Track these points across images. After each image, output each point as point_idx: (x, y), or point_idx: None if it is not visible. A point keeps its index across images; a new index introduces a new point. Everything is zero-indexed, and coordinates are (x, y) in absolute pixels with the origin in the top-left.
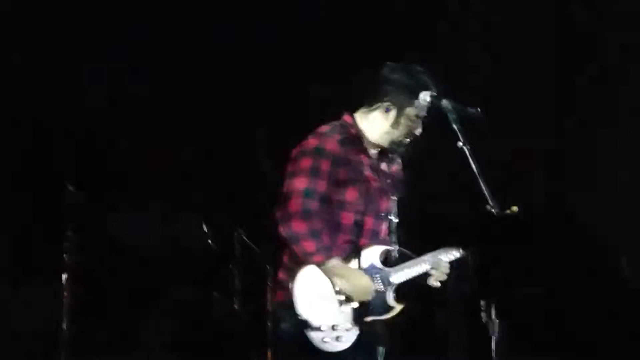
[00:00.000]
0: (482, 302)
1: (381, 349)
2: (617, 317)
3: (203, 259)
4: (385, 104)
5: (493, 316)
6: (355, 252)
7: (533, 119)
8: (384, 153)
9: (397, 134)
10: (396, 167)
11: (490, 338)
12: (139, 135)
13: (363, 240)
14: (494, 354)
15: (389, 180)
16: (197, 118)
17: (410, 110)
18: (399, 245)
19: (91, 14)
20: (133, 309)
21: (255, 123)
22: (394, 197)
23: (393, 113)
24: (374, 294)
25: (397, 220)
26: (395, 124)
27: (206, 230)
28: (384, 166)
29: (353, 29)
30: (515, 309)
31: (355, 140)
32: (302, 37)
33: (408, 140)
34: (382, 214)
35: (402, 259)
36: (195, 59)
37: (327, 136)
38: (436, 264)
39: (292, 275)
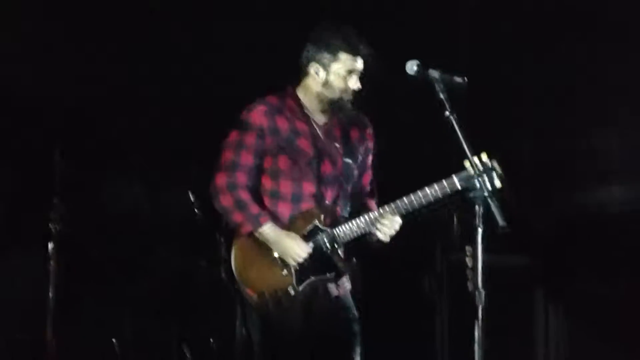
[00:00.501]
0: (468, 272)
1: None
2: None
3: (189, 228)
4: (313, 66)
5: (480, 286)
6: (297, 218)
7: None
8: (337, 118)
9: (331, 93)
10: (356, 131)
11: (477, 307)
12: (128, 104)
13: (304, 205)
14: (479, 324)
15: (336, 144)
16: (186, 88)
17: (336, 67)
18: (353, 209)
19: None
20: (120, 277)
21: (245, 93)
22: (348, 160)
23: (322, 74)
24: (304, 254)
25: (351, 184)
26: (326, 83)
27: (192, 199)
28: (333, 130)
29: None
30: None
31: (292, 108)
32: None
33: (348, 97)
34: (327, 179)
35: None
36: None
37: (253, 108)
38: (381, 216)
39: (232, 244)
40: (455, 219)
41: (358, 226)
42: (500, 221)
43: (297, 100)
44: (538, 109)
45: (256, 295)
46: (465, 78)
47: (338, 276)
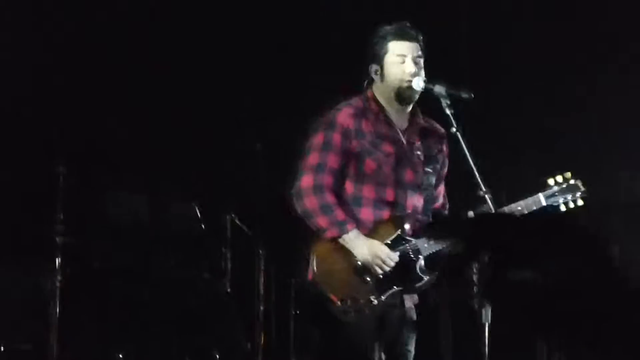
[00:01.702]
0: (475, 289)
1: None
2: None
3: (195, 241)
4: (372, 67)
5: (485, 303)
6: (379, 225)
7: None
8: (416, 123)
9: (391, 84)
10: (435, 139)
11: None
12: (132, 117)
13: (387, 213)
14: (486, 342)
15: (417, 152)
16: (190, 101)
17: (389, 56)
18: (432, 218)
19: None
20: (125, 290)
21: (248, 107)
22: (428, 169)
23: (379, 70)
24: (392, 264)
25: (430, 193)
26: (383, 77)
27: (198, 213)
28: (413, 137)
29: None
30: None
31: (375, 112)
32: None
33: (409, 84)
34: (409, 187)
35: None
36: (189, 38)
37: (340, 110)
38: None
39: (313, 252)
40: None
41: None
42: None
43: (379, 104)
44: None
45: (339, 302)
46: (472, 94)
47: (419, 288)
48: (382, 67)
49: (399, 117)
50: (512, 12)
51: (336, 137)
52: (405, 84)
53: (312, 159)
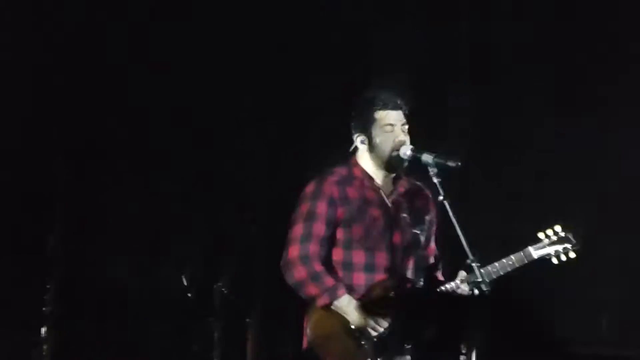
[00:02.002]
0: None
1: None
2: None
3: (182, 312)
4: (356, 137)
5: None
6: (372, 289)
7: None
8: (401, 185)
9: (381, 153)
10: (421, 200)
11: None
12: (120, 182)
13: (379, 277)
14: None
15: (404, 215)
16: (177, 167)
17: (376, 126)
18: (424, 277)
19: None
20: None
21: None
22: (416, 231)
23: (365, 140)
24: (385, 325)
25: (421, 254)
26: (372, 147)
27: (185, 283)
28: (399, 200)
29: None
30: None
31: (360, 178)
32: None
33: (399, 153)
34: (398, 249)
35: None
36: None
37: (324, 178)
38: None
39: (307, 320)
40: None
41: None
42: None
43: (363, 170)
44: None
45: None
46: (459, 162)
47: (414, 348)
48: (370, 137)
49: (384, 182)
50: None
51: (321, 206)
52: (394, 154)
53: (298, 229)
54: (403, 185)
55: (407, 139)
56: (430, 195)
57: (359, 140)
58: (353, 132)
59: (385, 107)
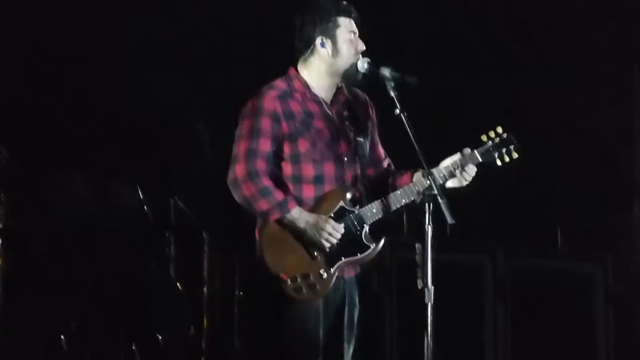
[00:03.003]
0: (418, 270)
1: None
2: None
3: (139, 226)
4: (317, 40)
5: (429, 283)
6: (321, 200)
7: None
8: (341, 95)
9: (343, 60)
10: (361, 107)
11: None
12: (75, 100)
13: (328, 187)
14: (429, 322)
15: (347, 124)
16: (132, 83)
17: (341, 32)
18: (373, 184)
19: None
20: (67, 276)
21: (191, 88)
22: (360, 139)
23: (328, 43)
24: (338, 236)
25: (365, 161)
26: (335, 51)
27: (142, 197)
28: (341, 109)
29: None
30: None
31: (301, 91)
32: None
33: (356, 64)
34: (345, 159)
35: (374, 197)
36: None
37: (264, 94)
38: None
39: (259, 232)
40: (404, 216)
41: (385, 205)
42: (450, 219)
43: (304, 81)
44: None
45: (289, 280)
46: (416, 78)
47: (366, 257)
48: (334, 43)
49: (326, 92)
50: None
51: (265, 122)
52: (352, 64)
53: (243, 146)
54: (343, 94)
55: (364, 48)
56: (367, 99)
57: (318, 43)
58: (312, 35)
59: (348, 14)
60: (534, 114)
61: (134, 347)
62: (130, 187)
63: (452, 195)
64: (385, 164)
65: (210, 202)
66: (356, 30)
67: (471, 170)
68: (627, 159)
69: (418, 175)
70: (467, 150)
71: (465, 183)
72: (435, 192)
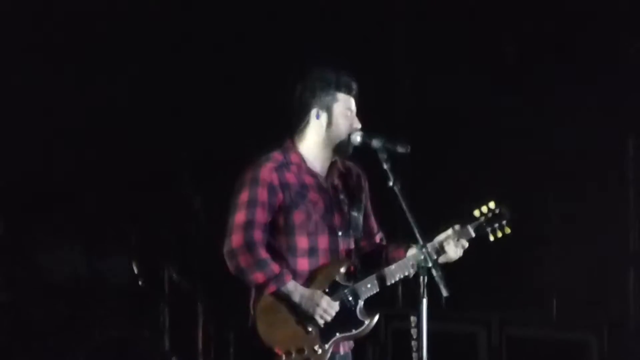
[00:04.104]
0: (413, 343)
1: None
2: None
3: (133, 297)
4: (313, 112)
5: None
6: (316, 273)
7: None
8: (336, 167)
9: (336, 134)
10: (355, 180)
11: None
12: (66, 169)
13: (322, 260)
14: None
15: (341, 196)
16: (125, 153)
17: (338, 106)
18: (366, 258)
19: None
20: (62, 348)
21: (183, 159)
22: (353, 212)
23: (324, 116)
24: (333, 313)
25: (359, 234)
26: (330, 125)
27: (135, 269)
28: (336, 182)
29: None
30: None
31: (297, 163)
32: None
33: (349, 138)
34: (339, 232)
35: (368, 272)
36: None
37: (261, 165)
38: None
39: (254, 305)
40: (399, 288)
41: (380, 279)
42: (445, 292)
43: (300, 154)
44: None
45: (284, 355)
46: (409, 147)
47: (361, 333)
48: (330, 116)
49: (321, 165)
50: None
51: (261, 192)
52: (347, 138)
53: (240, 217)
54: (338, 168)
55: (360, 126)
56: (360, 172)
57: (314, 115)
58: (309, 106)
59: (348, 91)
60: (528, 181)
61: None
62: (124, 259)
63: (445, 265)
64: (377, 238)
65: (203, 273)
66: (354, 108)
67: (464, 244)
68: (622, 226)
69: (412, 250)
70: (457, 227)
71: (455, 257)
72: (430, 265)
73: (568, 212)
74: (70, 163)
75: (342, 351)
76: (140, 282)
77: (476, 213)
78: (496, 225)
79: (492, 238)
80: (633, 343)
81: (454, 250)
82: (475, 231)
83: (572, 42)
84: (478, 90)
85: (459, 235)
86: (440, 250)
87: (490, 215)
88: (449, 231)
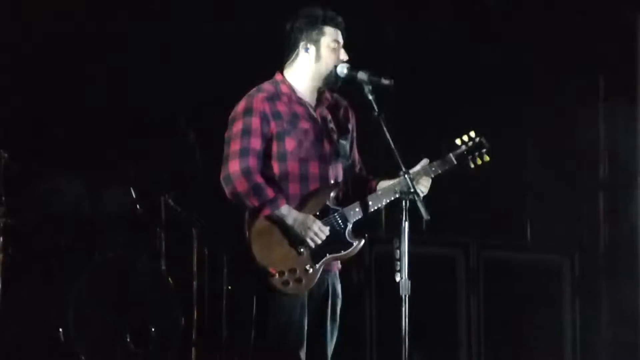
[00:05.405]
0: (396, 263)
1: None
2: None
3: (131, 224)
4: (301, 45)
5: (405, 277)
6: (307, 198)
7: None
8: (325, 99)
9: (324, 66)
10: (343, 111)
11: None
12: (67, 103)
13: (313, 185)
14: (405, 312)
15: (330, 126)
16: (125, 86)
17: (325, 40)
18: (352, 185)
19: None
20: (64, 270)
21: (180, 92)
22: (342, 141)
23: (312, 49)
24: (322, 236)
25: (347, 162)
26: (318, 57)
27: (134, 196)
28: (324, 112)
29: None
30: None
31: (287, 94)
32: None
33: (336, 70)
34: (328, 159)
35: (356, 197)
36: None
37: (253, 96)
38: (403, 185)
39: (249, 228)
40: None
41: (366, 204)
42: (425, 215)
43: (290, 85)
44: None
45: (277, 274)
46: (392, 80)
47: (349, 253)
48: (317, 49)
49: (310, 96)
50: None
51: (255, 122)
52: (332, 70)
53: (236, 145)
54: (327, 98)
55: (347, 58)
56: (348, 105)
57: (303, 48)
58: (298, 40)
59: (334, 25)
60: (507, 115)
61: (128, 338)
62: (123, 188)
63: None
64: (357, 169)
65: (198, 200)
66: (341, 40)
67: (426, 182)
68: (593, 159)
69: (382, 184)
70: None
71: (425, 190)
72: (412, 190)
73: (544, 144)
74: (73, 101)
75: (330, 270)
76: (138, 208)
77: (457, 141)
78: (476, 153)
79: (472, 165)
80: (602, 265)
81: (424, 185)
82: (456, 159)
83: None
84: (460, 31)
85: (441, 163)
86: (422, 174)
87: (470, 143)
88: (425, 160)
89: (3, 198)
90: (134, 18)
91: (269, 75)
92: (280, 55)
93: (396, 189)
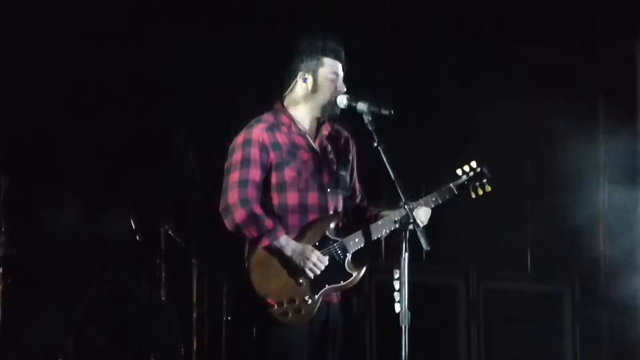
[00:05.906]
0: (396, 294)
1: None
2: None
3: (131, 253)
4: (300, 75)
5: (405, 307)
6: (307, 228)
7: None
8: (325, 129)
9: (321, 97)
10: (343, 142)
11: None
12: (68, 130)
13: (312, 216)
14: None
15: (330, 157)
16: (125, 113)
17: (324, 71)
18: (352, 215)
19: None
20: (64, 299)
21: (179, 120)
22: (342, 172)
23: (310, 79)
24: (322, 266)
25: (346, 192)
26: (315, 88)
27: (134, 226)
28: (324, 142)
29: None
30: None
31: (287, 124)
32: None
33: (335, 100)
34: (328, 189)
35: (355, 227)
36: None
37: (253, 126)
38: (403, 216)
39: (248, 258)
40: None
41: (367, 234)
42: (425, 246)
43: (290, 115)
44: None
45: (276, 305)
46: (392, 110)
47: (349, 284)
48: (315, 79)
49: (309, 126)
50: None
51: (254, 152)
52: (332, 101)
53: (235, 176)
54: (326, 129)
55: (345, 90)
56: (348, 136)
57: (301, 78)
58: (297, 70)
59: (334, 56)
60: (507, 144)
61: None
62: (123, 217)
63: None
64: (358, 199)
65: (198, 230)
66: (340, 72)
67: (426, 213)
68: (593, 188)
69: (382, 214)
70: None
71: (425, 220)
72: (412, 221)
73: (543, 173)
74: (73, 123)
75: (330, 300)
76: (137, 238)
77: (459, 172)
78: (477, 183)
79: (473, 196)
80: (603, 294)
81: (424, 215)
82: (457, 189)
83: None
84: (457, 56)
85: (442, 193)
86: (424, 205)
87: (472, 173)
88: (435, 193)
89: (3, 229)
90: (133, 43)
91: (269, 96)
92: (280, 82)
93: (396, 219)
